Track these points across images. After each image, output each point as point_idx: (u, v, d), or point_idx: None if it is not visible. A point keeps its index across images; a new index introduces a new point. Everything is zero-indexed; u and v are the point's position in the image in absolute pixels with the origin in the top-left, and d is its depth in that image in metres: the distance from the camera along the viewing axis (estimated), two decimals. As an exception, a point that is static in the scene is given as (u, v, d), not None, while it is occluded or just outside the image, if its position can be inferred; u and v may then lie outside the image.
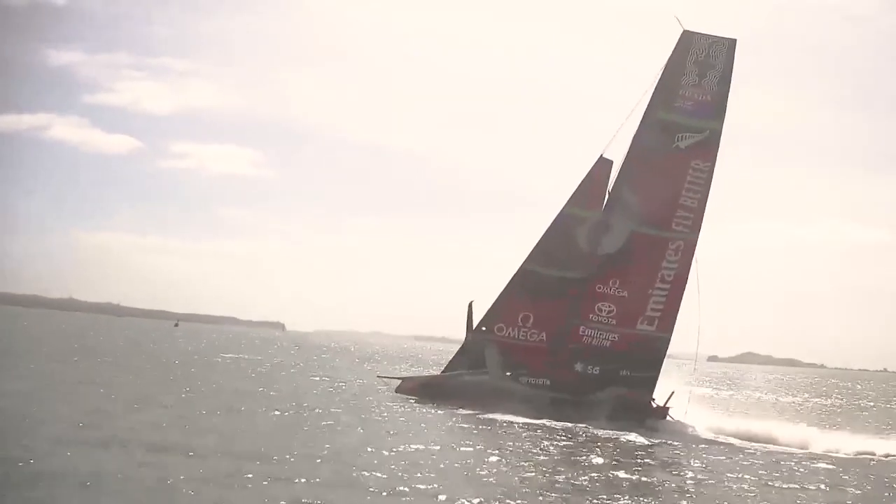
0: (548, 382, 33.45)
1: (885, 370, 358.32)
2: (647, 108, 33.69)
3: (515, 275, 35.03)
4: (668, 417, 32.12)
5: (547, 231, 34.67)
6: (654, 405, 32.57)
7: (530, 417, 31.00)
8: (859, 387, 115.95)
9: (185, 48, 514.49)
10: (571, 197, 34.58)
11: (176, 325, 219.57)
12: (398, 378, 38.72)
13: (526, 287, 34.53)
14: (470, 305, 35.77)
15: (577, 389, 32.95)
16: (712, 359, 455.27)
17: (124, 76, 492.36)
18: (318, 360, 74.48)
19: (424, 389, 35.92)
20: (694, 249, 33.26)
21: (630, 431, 28.91)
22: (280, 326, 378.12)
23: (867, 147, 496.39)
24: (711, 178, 33.48)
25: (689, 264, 33.17)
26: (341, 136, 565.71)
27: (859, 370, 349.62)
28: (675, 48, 33.61)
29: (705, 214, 33.54)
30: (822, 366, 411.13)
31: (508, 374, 34.30)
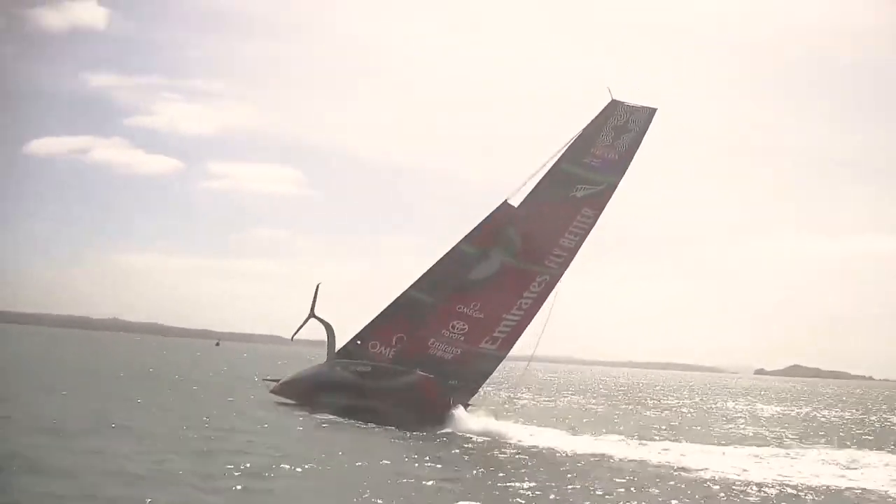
0: (368, 369, 36.11)
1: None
2: (556, 162, 36.22)
3: (398, 298, 37.75)
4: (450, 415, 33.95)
5: (437, 262, 37.52)
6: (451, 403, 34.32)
7: (343, 408, 33.97)
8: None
9: (223, 70, 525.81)
10: (467, 234, 37.27)
11: (217, 344, 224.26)
12: (277, 380, 40.79)
13: (406, 310, 37.26)
14: (317, 287, 38.51)
15: (387, 376, 35.40)
16: (759, 372, 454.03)
17: (162, 98, 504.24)
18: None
19: (284, 388, 38.71)
20: (556, 283, 36.10)
21: (409, 429, 31.41)
22: (323, 345, 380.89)
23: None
24: (594, 224, 36.27)
25: (547, 296, 36.13)
26: (379, 154, 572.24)
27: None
28: (599, 113, 36.25)
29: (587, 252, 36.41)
30: (870, 377, 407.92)
31: (337, 360, 37.01)
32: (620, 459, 27.28)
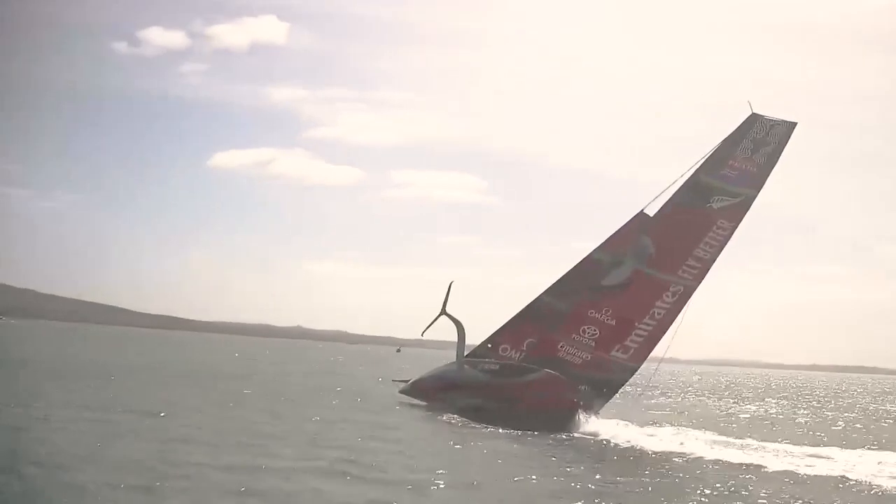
0: (496, 367, 36.49)
1: None
2: (694, 172, 36.70)
3: (531, 303, 37.90)
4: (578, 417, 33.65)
5: (571, 269, 37.65)
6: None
7: (473, 407, 34.05)
8: None
9: (404, 81, 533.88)
10: (602, 243, 37.39)
11: (398, 350, 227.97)
12: (406, 381, 41.00)
13: (538, 316, 37.39)
14: (450, 285, 38.58)
15: (515, 374, 35.68)
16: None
17: (345, 109, 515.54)
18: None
19: (413, 389, 38.94)
20: (691, 295, 35.93)
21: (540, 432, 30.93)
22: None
23: None
24: (731, 236, 36.23)
25: (681, 309, 35.89)
26: (562, 162, 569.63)
27: None
28: (739, 126, 36.85)
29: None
30: None
31: (465, 360, 37.14)
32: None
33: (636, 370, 36.59)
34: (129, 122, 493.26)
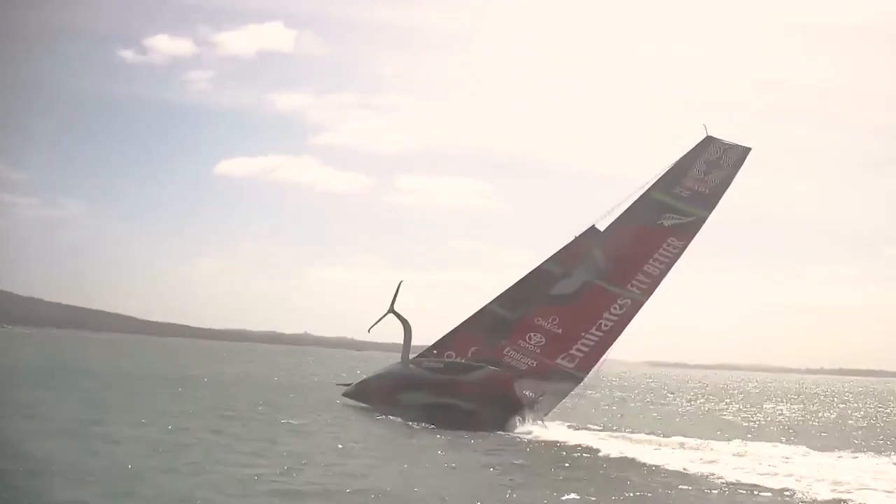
0: (441, 365, 36.88)
1: None
2: (647, 189, 37.58)
3: (477, 312, 38.21)
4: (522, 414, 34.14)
5: (519, 280, 38.29)
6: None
7: (419, 406, 34.46)
8: None
9: (411, 86, 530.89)
10: (552, 255, 38.05)
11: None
12: (349, 384, 41.43)
13: (483, 324, 37.81)
14: (399, 284, 39.23)
15: (460, 371, 36.09)
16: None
17: (352, 115, 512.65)
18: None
19: (357, 392, 39.39)
20: (639, 308, 36.78)
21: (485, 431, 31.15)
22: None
23: None
24: (681, 255, 37.13)
25: (629, 321, 36.76)
26: (569, 166, 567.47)
27: None
28: (694, 148, 37.75)
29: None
30: None
31: (410, 360, 37.79)
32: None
33: (581, 379, 37.33)
34: (134, 129, 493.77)
